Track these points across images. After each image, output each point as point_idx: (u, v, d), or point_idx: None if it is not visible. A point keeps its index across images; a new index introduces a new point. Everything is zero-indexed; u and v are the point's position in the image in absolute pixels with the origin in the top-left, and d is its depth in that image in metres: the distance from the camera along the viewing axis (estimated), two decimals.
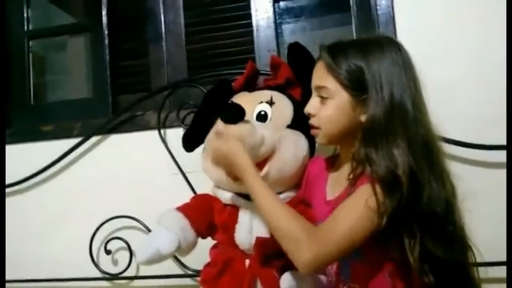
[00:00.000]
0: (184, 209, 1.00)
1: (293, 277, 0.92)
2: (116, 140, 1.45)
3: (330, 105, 0.84)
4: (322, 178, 0.98)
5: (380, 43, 0.84)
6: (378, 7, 1.31)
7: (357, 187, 0.80)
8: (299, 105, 1.00)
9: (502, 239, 1.11)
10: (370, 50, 0.83)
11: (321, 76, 0.86)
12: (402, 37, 1.27)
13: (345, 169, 0.91)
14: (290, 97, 1.04)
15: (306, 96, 0.99)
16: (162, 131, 1.40)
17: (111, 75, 1.53)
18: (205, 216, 1.01)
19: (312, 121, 0.88)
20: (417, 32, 1.28)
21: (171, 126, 1.40)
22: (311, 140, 1.01)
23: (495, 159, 1.18)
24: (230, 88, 1.07)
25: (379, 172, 0.76)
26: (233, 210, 0.99)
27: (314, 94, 0.88)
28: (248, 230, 0.96)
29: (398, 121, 0.78)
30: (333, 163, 0.99)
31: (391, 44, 0.84)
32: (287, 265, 0.92)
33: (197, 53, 1.51)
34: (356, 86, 0.81)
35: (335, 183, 0.94)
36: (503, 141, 1.14)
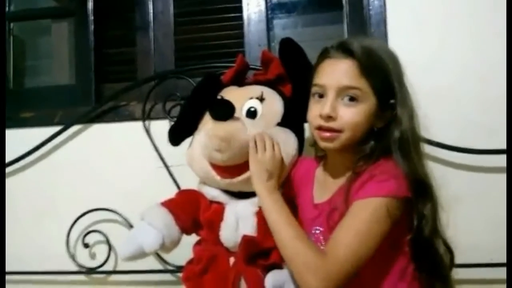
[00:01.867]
0: (168, 205, 0.97)
1: (278, 276, 0.90)
2: (99, 130, 1.41)
3: (359, 109, 0.81)
4: (309, 179, 0.97)
5: (396, 57, 0.85)
6: (370, 7, 1.30)
7: (354, 197, 0.79)
8: (289, 102, 0.99)
9: (487, 241, 1.14)
10: (394, 59, 0.84)
11: (350, 76, 0.81)
12: (394, 37, 1.28)
13: (336, 173, 0.90)
14: (280, 93, 1.01)
15: (296, 93, 0.98)
16: (146, 122, 1.36)
17: (95, 63, 1.49)
18: (190, 212, 0.97)
19: (332, 124, 0.82)
20: (409, 33, 1.27)
21: (156, 118, 1.37)
22: (300, 139, 0.99)
23: (488, 164, 1.19)
24: (219, 82, 1.05)
25: (416, 176, 0.79)
26: (219, 207, 0.97)
27: (333, 94, 0.82)
28: (233, 228, 0.93)
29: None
30: (317, 164, 0.98)
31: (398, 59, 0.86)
32: (272, 264, 0.91)
33: (185, 44, 1.47)
34: (385, 93, 0.81)
35: (322, 186, 0.93)
36: (496, 146, 1.15)
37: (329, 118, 0.82)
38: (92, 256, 1.36)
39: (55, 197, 1.40)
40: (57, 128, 1.40)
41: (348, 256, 0.75)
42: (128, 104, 1.41)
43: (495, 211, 1.16)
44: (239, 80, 1.06)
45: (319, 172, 0.97)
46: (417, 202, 0.79)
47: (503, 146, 1.11)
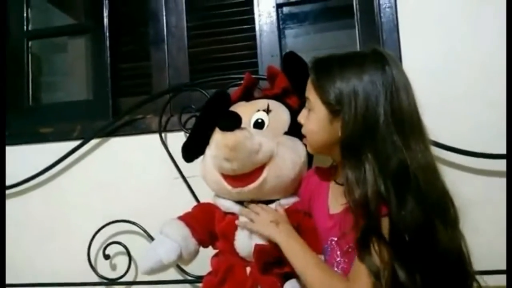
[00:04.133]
0: (185, 218, 1.00)
1: (296, 285, 0.92)
2: (116, 143, 1.44)
3: (312, 117, 0.90)
4: (324, 189, 0.98)
5: (363, 60, 0.84)
6: (382, 14, 1.31)
7: None
8: (296, 113, 1.01)
9: (495, 247, 1.13)
10: (350, 68, 0.84)
11: (308, 89, 0.91)
12: (406, 44, 1.29)
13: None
14: (287, 105, 1.05)
15: (303, 104, 1.00)
16: (163, 135, 1.39)
17: (111, 77, 1.51)
18: (207, 225, 1.00)
19: (302, 130, 0.94)
20: (421, 39, 1.28)
21: (172, 130, 1.39)
22: None
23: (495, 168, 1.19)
24: (228, 99, 1.08)
25: (354, 198, 0.79)
26: (233, 217, 0.99)
27: (306, 106, 0.93)
28: (247, 237, 0.96)
29: (369, 141, 0.79)
30: (333, 173, 0.98)
31: (375, 62, 0.83)
32: (289, 273, 0.93)
33: (199, 57, 1.50)
34: (334, 102, 0.84)
35: (336, 195, 0.94)
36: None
37: (300, 124, 0.94)
38: (113, 267, 1.39)
39: (75, 210, 1.43)
40: (76, 143, 1.43)
41: (370, 284, 0.77)
42: (144, 117, 1.44)
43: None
44: (248, 96, 1.10)
45: (335, 187, 0.97)
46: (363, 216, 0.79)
47: None
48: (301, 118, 0.94)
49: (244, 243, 0.94)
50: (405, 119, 0.80)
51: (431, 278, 0.75)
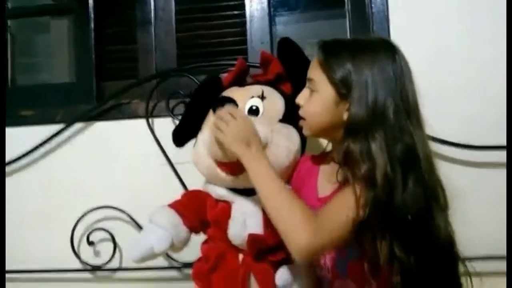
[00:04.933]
0: (175, 206, 0.99)
1: (289, 272, 0.93)
2: (101, 128, 1.41)
3: (315, 98, 0.88)
4: (313, 174, 0.99)
5: (375, 47, 0.85)
6: (373, 5, 1.31)
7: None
8: (290, 100, 1.00)
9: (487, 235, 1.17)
10: (362, 54, 0.84)
11: (313, 70, 0.89)
12: (396, 34, 1.29)
13: (335, 165, 0.91)
14: (281, 91, 1.04)
15: (297, 91, 0.99)
16: (150, 120, 1.36)
17: (96, 60, 1.47)
18: (197, 212, 0.99)
19: (300, 112, 0.91)
20: (411, 29, 1.29)
21: (160, 116, 1.37)
22: (303, 135, 0.99)
23: (487, 159, 1.22)
24: (221, 84, 1.06)
25: (359, 173, 0.78)
26: (225, 205, 0.98)
27: (306, 85, 0.91)
28: (241, 225, 0.95)
29: (378, 126, 0.79)
30: (324, 159, 0.99)
31: (386, 50, 0.85)
32: (282, 260, 0.93)
33: (187, 41, 1.47)
34: (343, 84, 0.83)
35: (326, 179, 0.95)
36: (496, 142, 1.19)
37: (299, 105, 0.91)
38: (97, 254, 1.36)
39: (58, 195, 1.39)
40: (58, 126, 1.39)
41: (340, 226, 0.77)
42: (130, 102, 1.41)
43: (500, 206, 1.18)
44: (240, 82, 1.08)
45: (326, 167, 0.98)
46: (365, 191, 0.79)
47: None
48: (301, 99, 0.91)
49: (238, 231, 0.94)
50: (411, 108, 0.82)
51: (424, 259, 0.78)
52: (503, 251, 1.11)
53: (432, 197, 0.80)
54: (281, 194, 0.81)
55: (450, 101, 1.24)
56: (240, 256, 0.96)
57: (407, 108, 0.81)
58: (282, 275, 0.92)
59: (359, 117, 0.80)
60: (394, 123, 0.79)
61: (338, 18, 1.43)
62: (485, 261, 1.15)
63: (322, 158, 1.01)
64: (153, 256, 0.93)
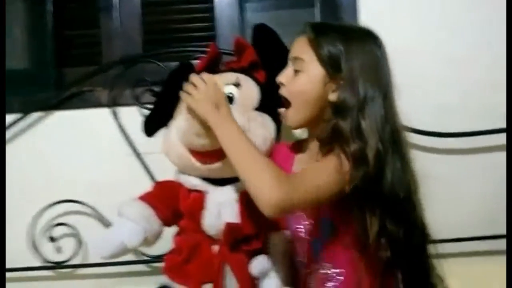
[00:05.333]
0: (146, 198, 0.94)
1: (263, 261, 0.92)
2: (62, 118, 1.32)
3: (302, 78, 0.86)
4: (288, 161, 0.98)
5: (362, 33, 0.88)
6: None
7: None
8: (264, 88, 0.99)
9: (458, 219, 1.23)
10: (351, 37, 0.86)
11: (300, 49, 0.88)
12: (366, 22, 1.27)
13: (312, 151, 0.90)
14: (255, 79, 1.01)
15: (272, 79, 0.97)
16: (114, 109, 1.30)
17: (55, 46, 1.39)
18: (170, 203, 0.95)
19: (283, 92, 0.89)
20: (381, 18, 1.28)
21: (125, 104, 1.31)
22: (278, 123, 0.99)
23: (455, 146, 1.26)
24: (193, 70, 1.01)
25: (351, 148, 0.78)
26: (199, 195, 0.95)
27: (289, 65, 0.89)
28: (216, 215, 0.92)
29: (369, 107, 0.81)
30: (299, 147, 0.99)
31: (371, 37, 0.88)
32: (257, 250, 0.92)
33: (153, 26, 1.41)
34: (332, 64, 0.84)
35: (302, 165, 0.94)
36: (461, 129, 1.24)
37: (281, 85, 0.89)
38: (59, 250, 1.29)
39: (17, 189, 1.30)
40: (15, 116, 1.30)
41: (312, 186, 0.77)
42: (93, 89, 1.33)
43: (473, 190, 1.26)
44: (213, 69, 1.04)
45: (302, 155, 0.97)
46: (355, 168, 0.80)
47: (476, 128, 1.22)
48: (283, 78, 0.89)
49: (213, 221, 0.91)
50: (391, 92, 0.84)
51: (410, 235, 0.81)
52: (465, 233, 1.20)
53: (412, 179, 0.83)
54: (251, 153, 0.79)
55: (418, 90, 1.26)
56: (215, 247, 0.93)
57: (391, 94, 0.84)
58: (258, 264, 0.91)
59: (350, 98, 0.81)
60: (382, 106, 0.81)
61: (308, 7, 1.41)
62: (453, 243, 1.20)
63: (297, 146, 1.00)
64: (125, 251, 0.89)
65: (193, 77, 0.87)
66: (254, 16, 1.43)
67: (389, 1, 1.29)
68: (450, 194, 1.24)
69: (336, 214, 0.85)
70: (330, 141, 0.81)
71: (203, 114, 0.83)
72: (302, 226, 0.91)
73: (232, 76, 0.98)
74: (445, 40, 1.28)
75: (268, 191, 0.74)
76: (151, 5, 1.41)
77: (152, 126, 1.03)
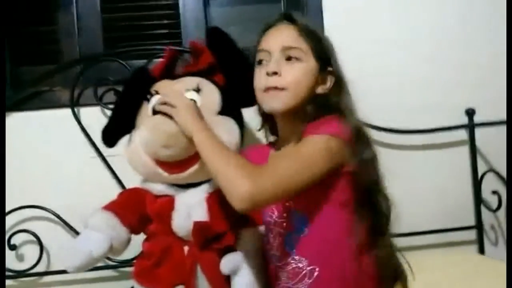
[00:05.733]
0: (111, 207, 0.92)
1: (233, 259, 0.90)
2: (19, 119, 1.26)
3: (299, 67, 0.86)
4: (264, 160, 0.97)
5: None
6: None
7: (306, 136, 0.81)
8: (225, 90, 0.97)
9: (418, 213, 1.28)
10: (321, 33, 0.93)
11: (291, 38, 0.87)
12: (329, 22, 1.32)
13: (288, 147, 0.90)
14: (214, 83, 0.99)
15: (230, 80, 0.97)
16: (75, 109, 1.25)
17: (9, 43, 1.31)
18: (136, 210, 0.94)
19: (276, 81, 0.85)
20: (344, 20, 1.32)
21: (87, 105, 1.26)
22: (241, 126, 0.98)
23: (411, 143, 1.31)
24: (149, 76, 1.00)
25: (353, 122, 0.83)
26: (167, 198, 0.93)
27: (278, 55, 0.86)
28: (185, 216, 0.91)
29: (346, 97, 0.88)
30: (273, 147, 0.98)
31: None
32: (228, 248, 0.91)
33: (114, 23, 1.36)
34: (323, 57, 0.87)
35: None
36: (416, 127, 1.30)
37: (274, 74, 0.85)
38: (20, 258, 1.24)
39: None
40: None
41: (284, 177, 0.76)
42: (52, 89, 1.28)
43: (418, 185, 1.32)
44: (170, 73, 1.03)
45: (275, 150, 0.97)
46: (358, 148, 0.82)
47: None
48: (276, 67, 0.86)
49: (182, 222, 0.90)
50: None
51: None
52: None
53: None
54: (224, 153, 0.79)
55: (379, 87, 1.29)
56: (186, 248, 0.92)
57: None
58: (228, 262, 0.89)
59: (338, 90, 0.87)
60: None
61: (273, 2, 1.42)
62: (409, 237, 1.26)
63: (271, 146, 0.99)
64: (93, 262, 0.87)
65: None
66: (219, 12, 1.41)
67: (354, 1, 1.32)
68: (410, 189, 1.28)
69: (308, 207, 0.84)
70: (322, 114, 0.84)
71: (184, 124, 0.84)
72: (274, 219, 0.91)
73: (192, 81, 0.96)
74: (407, 37, 1.33)
75: (239, 185, 0.73)
76: (111, 1, 1.36)
77: (112, 136, 1.00)
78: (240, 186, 0.72)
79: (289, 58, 0.86)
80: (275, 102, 0.87)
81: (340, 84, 0.88)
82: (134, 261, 1.03)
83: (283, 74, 0.85)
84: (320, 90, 0.88)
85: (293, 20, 0.89)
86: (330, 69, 0.88)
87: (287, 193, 0.77)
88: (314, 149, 0.78)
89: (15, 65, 1.32)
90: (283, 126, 0.93)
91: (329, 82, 0.88)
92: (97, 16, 1.34)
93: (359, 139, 0.83)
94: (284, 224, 0.88)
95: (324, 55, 0.88)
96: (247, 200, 0.73)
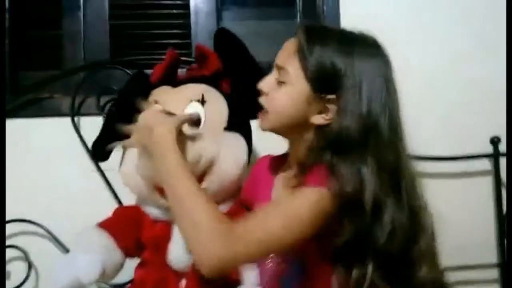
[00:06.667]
0: (107, 225, 0.84)
1: None
2: (16, 126, 1.19)
3: (285, 92, 0.74)
4: (268, 180, 0.89)
5: (368, 44, 0.74)
6: (324, 8, 1.26)
7: (304, 185, 0.69)
8: (231, 99, 0.88)
9: None
10: (355, 50, 0.71)
11: (286, 56, 0.75)
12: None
13: (292, 172, 0.82)
14: (220, 90, 0.90)
15: (237, 88, 0.89)
16: (76, 119, 1.19)
17: (11, 45, 1.25)
18: (133, 232, 0.85)
19: (263, 101, 0.78)
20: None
21: (88, 114, 1.20)
22: (248, 139, 0.90)
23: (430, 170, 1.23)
24: (147, 82, 0.92)
25: (345, 189, 0.66)
26: (165, 226, 0.84)
27: (274, 73, 0.77)
28: (183, 248, 0.81)
29: (372, 140, 0.69)
30: (281, 163, 0.89)
31: (379, 49, 0.74)
32: (233, 282, 0.81)
33: (122, 31, 1.30)
34: (323, 82, 0.71)
35: (282, 186, 0.85)
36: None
37: (262, 92, 0.77)
38: (7, 275, 1.15)
39: None
40: None
41: (263, 235, 0.65)
42: (52, 96, 1.22)
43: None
44: (170, 78, 0.93)
45: (281, 171, 0.89)
46: (348, 218, 0.68)
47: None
48: (265, 86, 0.77)
49: (180, 255, 0.81)
50: (400, 120, 0.73)
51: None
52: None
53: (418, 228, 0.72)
54: (197, 196, 0.67)
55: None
56: (182, 283, 0.83)
57: (398, 118, 0.72)
58: None
59: (350, 131, 0.68)
60: (387, 140, 0.69)
61: (288, 19, 1.36)
62: None
63: (279, 161, 0.90)
64: (81, 287, 0.78)
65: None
66: (232, 26, 1.34)
67: (370, 18, 1.23)
68: None
69: (307, 255, 0.74)
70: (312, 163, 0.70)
71: (142, 150, 0.76)
72: (270, 263, 0.81)
73: (195, 91, 0.87)
74: (431, 49, 1.27)
75: (206, 245, 0.63)
76: (120, 8, 1.31)
77: (104, 149, 0.91)
78: (211, 247, 0.63)
79: (279, 80, 0.76)
80: (261, 122, 0.80)
81: (343, 116, 0.69)
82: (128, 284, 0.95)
83: (270, 95, 0.76)
84: (316, 120, 0.73)
85: (302, 33, 0.74)
86: (330, 96, 0.71)
87: (266, 253, 0.70)
88: (300, 208, 0.66)
89: (15, 70, 1.26)
90: (288, 146, 0.84)
91: (330, 112, 0.72)
92: (105, 22, 1.29)
93: (349, 211, 0.67)
94: (281, 269, 0.79)
95: (322, 78, 0.71)
96: (216, 265, 0.64)
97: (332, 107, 0.72)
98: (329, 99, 0.71)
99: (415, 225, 0.72)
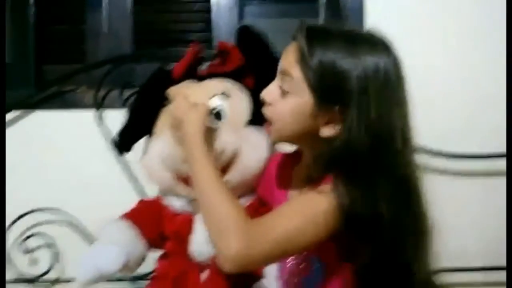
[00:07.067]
0: (131, 216, 0.85)
1: None
2: (41, 118, 1.23)
3: (288, 102, 0.69)
4: (285, 177, 0.88)
5: (375, 45, 0.66)
6: (348, 3, 1.25)
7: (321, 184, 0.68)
8: (254, 94, 0.86)
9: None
10: (361, 54, 0.64)
11: (289, 60, 0.68)
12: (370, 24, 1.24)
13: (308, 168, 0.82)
14: (243, 85, 0.90)
15: (259, 85, 0.89)
16: (99, 111, 1.21)
17: (36, 40, 1.29)
18: (156, 224, 0.86)
19: (267, 111, 0.73)
20: (388, 32, 1.24)
21: (111, 107, 1.22)
22: None
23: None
24: (170, 78, 0.91)
25: (359, 210, 0.63)
26: (186, 218, 0.85)
27: (278, 80, 0.71)
28: (205, 240, 0.81)
29: (385, 156, 0.64)
30: (297, 160, 0.87)
31: (388, 51, 0.67)
32: (254, 276, 0.82)
33: (145, 26, 1.32)
34: (327, 91, 0.65)
35: (299, 184, 0.83)
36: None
37: (265, 103, 0.73)
38: (34, 262, 1.20)
39: None
40: None
41: (279, 237, 0.64)
42: (76, 89, 1.25)
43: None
44: (193, 73, 0.92)
45: (297, 168, 0.86)
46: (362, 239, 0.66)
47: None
48: (268, 96, 0.72)
49: (202, 247, 0.82)
50: (410, 136, 0.67)
51: None
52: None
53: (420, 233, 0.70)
54: (222, 191, 0.67)
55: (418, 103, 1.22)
56: (203, 275, 0.84)
57: (409, 127, 0.67)
58: None
59: (358, 146, 0.63)
60: (400, 153, 0.65)
61: (311, 15, 1.34)
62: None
63: (295, 158, 0.87)
64: (104, 278, 0.79)
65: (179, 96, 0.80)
66: (253, 22, 1.35)
67: (397, 13, 1.24)
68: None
69: (325, 255, 0.73)
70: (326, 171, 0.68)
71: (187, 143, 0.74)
72: (291, 261, 0.79)
73: (218, 86, 0.86)
74: (453, 49, 1.24)
75: (227, 240, 0.63)
76: (142, 3, 1.32)
77: (126, 142, 0.92)
78: (231, 243, 0.62)
79: (282, 89, 0.70)
80: (268, 134, 0.78)
81: (352, 126, 0.63)
82: (150, 275, 0.98)
83: (273, 105, 0.71)
84: (326, 132, 0.67)
85: (303, 36, 0.67)
86: (336, 106, 0.65)
87: (283, 254, 0.68)
88: (326, 213, 0.64)
89: (40, 63, 1.30)
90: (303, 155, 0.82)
91: (337, 124, 0.66)
92: (128, 17, 1.31)
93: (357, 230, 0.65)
94: (301, 269, 0.77)
95: (326, 87, 0.64)
96: (236, 260, 0.63)
97: (339, 117, 0.66)
98: (335, 109, 0.66)
99: (421, 233, 0.70)
